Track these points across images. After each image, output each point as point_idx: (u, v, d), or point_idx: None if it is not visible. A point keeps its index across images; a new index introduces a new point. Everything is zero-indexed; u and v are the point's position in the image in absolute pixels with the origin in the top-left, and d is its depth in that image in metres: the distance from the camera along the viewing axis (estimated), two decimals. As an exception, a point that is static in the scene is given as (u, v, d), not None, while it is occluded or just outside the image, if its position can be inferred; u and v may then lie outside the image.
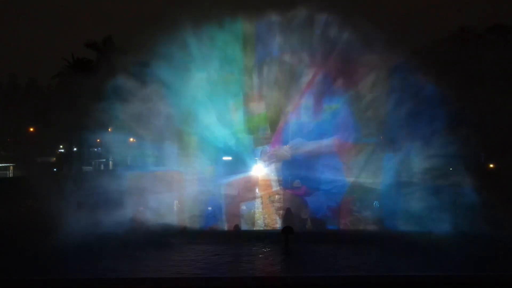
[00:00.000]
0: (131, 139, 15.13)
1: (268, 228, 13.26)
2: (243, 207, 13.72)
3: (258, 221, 13.52)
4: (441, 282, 7.12)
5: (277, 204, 13.71)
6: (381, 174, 13.41)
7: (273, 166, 14.21)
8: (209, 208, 13.23)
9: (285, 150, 14.11)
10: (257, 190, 14.07)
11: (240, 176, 14.00)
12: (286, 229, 10.58)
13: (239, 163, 14.14)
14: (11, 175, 30.59)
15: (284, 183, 14.05)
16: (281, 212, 13.31)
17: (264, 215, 13.57)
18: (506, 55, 16.44)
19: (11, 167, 31.86)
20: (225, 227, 13.10)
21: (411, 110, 13.71)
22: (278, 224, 13.10)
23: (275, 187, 14.07)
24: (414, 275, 7.45)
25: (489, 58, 15.98)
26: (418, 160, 13.51)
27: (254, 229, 13.21)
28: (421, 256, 9.53)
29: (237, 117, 14.14)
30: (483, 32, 23.00)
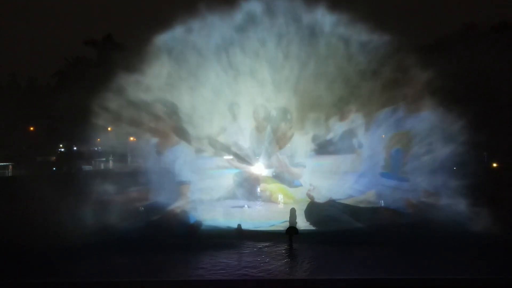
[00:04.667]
0: (131, 138, 14.97)
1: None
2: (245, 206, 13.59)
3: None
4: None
5: None
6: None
7: None
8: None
9: None
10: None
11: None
12: (290, 230, 10.43)
13: None
14: (10, 174, 30.53)
15: None
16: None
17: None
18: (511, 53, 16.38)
19: (10, 166, 31.82)
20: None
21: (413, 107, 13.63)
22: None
23: None
24: (426, 278, 7.28)
25: (493, 56, 15.87)
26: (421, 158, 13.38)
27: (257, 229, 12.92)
28: (435, 257, 9.31)
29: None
30: (487, 30, 22.99)
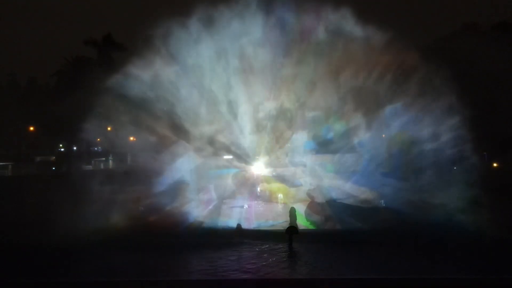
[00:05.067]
0: (131, 138, 14.94)
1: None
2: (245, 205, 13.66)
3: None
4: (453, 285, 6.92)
5: None
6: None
7: None
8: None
9: None
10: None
11: None
12: (290, 229, 10.41)
13: None
14: (10, 174, 30.48)
15: None
16: None
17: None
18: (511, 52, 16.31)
19: (10, 165, 31.75)
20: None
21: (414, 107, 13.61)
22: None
23: None
24: (426, 278, 7.27)
25: (493, 55, 15.84)
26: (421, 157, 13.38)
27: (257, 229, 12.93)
28: (430, 257, 9.31)
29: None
30: (487, 29, 22.97)
